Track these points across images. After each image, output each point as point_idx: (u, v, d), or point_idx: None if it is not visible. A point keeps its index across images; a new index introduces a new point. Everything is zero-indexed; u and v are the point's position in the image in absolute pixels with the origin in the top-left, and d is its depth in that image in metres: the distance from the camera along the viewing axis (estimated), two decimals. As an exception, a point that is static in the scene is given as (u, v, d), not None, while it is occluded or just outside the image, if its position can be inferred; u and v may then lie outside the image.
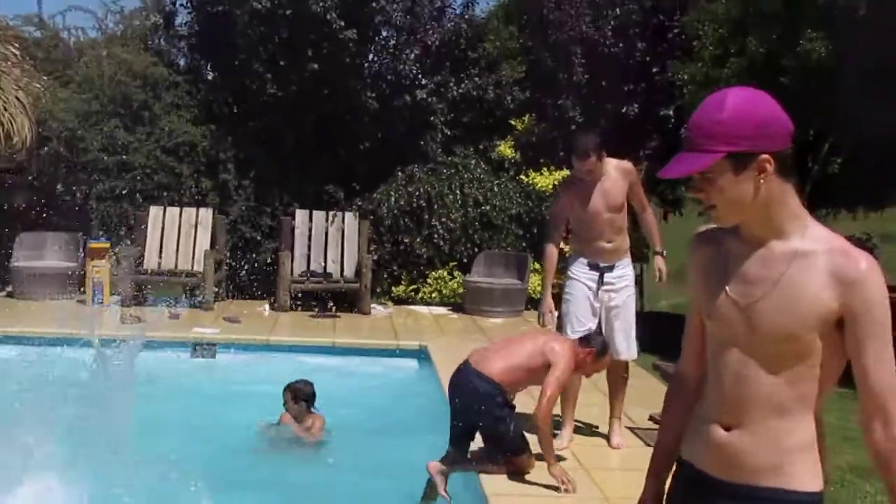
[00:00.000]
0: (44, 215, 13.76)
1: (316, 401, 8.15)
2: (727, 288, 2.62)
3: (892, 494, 2.51)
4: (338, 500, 6.95)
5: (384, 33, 14.14)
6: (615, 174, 7.12)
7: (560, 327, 7.26)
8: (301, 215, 13.56)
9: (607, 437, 7.57)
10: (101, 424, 8.00)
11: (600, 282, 7.21)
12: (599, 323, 7.20)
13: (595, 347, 6.55)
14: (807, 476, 2.57)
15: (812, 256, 2.50)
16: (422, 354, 10.82)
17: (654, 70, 14.05)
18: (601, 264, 7.23)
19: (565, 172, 13.75)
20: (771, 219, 2.55)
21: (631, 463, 7.09)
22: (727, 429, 2.65)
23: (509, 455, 6.56)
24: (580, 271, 7.27)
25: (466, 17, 14.64)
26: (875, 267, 2.47)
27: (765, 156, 2.44)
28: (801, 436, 2.57)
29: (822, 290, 2.47)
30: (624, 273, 7.37)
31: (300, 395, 8.07)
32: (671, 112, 13.77)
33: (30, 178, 14.56)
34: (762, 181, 2.46)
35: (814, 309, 2.48)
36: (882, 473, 2.52)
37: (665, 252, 7.52)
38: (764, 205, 2.53)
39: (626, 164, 7.32)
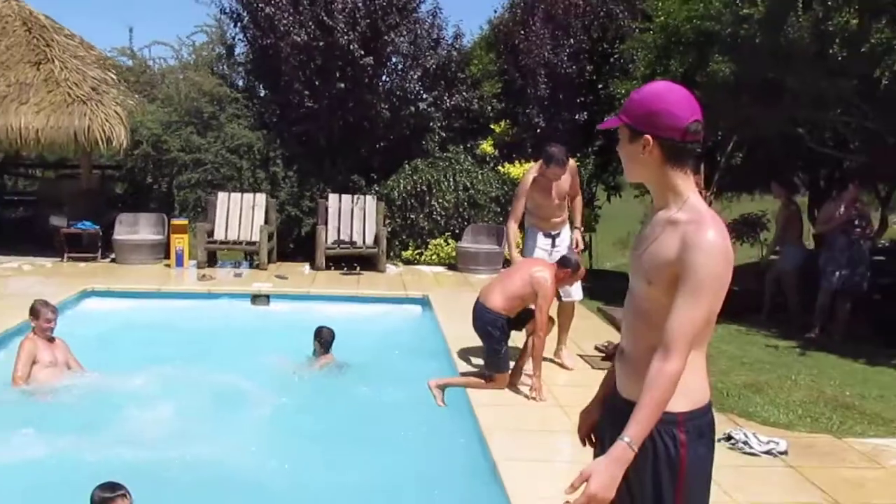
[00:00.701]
0: (138, 200, 13.93)
1: (334, 342, 8.13)
2: (635, 244, 2.71)
3: (645, 408, 2.38)
4: (360, 407, 6.99)
5: (393, 59, 14.16)
6: (566, 173, 7.50)
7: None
8: (333, 198, 13.62)
9: (561, 363, 7.82)
10: (190, 351, 8.27)
11: (553, 244, 7.81)
12: None
13: (570, 267, 6.96)
14: (677, 397, 2.45)
15: (678, 224, 2.48)
16: (424, 301, 10.93)
17: (600, 87, 14.13)
18: (552, 232, 7.85)
19: (530, 164, 13.89)
20: (659, 193, 2.60)
21: (579, 381, 7.26)
22: (627, 358, 2.67)
23: (494, 373, 6.76)
24: (539, 239, 7.83)
25: (456, 46, 14.69)
26: (717, 241, 2.42)
27: (647, 136, 2.49)
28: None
29: (673, 250, 2.45)
30: (565, 236, 7.94)
31: (324, 337, 8.14)
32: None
33: (126, 172, 14.59)
34: (643, 155, 2.52)
35: (667, 264, 2.47)
36: (644, 390, 2.40)
37: (582, 228, 8.38)
38: (650, 176, 2.59)
39: (572, 164, 7.72)
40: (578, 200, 8.13)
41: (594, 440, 2.91)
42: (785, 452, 5.67)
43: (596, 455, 2.79)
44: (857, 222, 9.96)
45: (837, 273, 9.78)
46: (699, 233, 2.43)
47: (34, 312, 7.23)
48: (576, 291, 7.85)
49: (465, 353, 7.96)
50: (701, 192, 2.66)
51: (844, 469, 5.49)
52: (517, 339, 7.11)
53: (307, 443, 6.22)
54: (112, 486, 4.29)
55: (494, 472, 5.11)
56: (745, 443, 5.75)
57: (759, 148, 13.85)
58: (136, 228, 13.35)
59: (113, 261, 13.20)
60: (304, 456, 5.92)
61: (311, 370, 7.97)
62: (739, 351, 8.79)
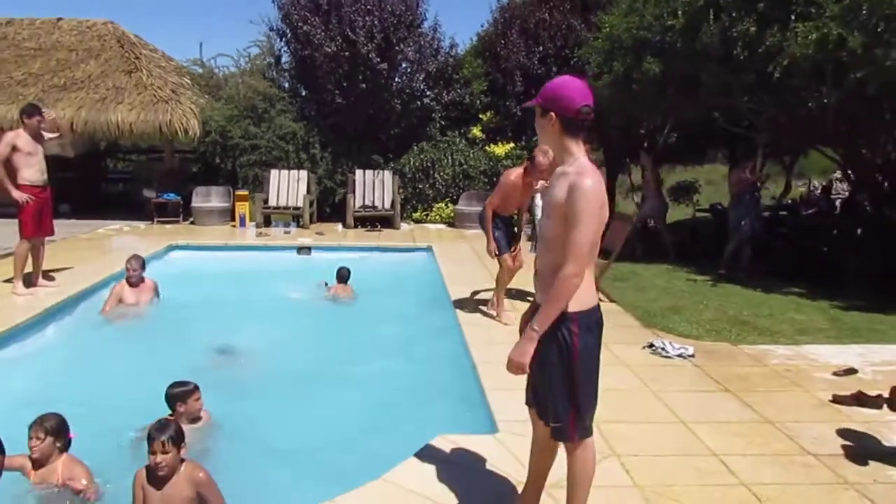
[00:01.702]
0: (209, 176, 14.02)
1: (350, 278, 8.37)
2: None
3: (547, 303, 2.69)
4: (371, 329, 7.08)
5: (403, 65, 14.12)
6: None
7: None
8: (359, 173, 13.71)
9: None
10: (249, 288, 8.40)
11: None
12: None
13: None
14: (572, 302, 2.70)
15: (568, 175, 2.68)
16: (428, 250, 11.03)
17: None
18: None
19: (511, 145, 13.94)
20: (559, 155, 2.78)
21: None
22: (538, 273, 2.88)
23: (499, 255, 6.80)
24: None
25: (452, 54, 14.65)
26: (593, 186, 2.61)
27: (552, 113, 2.69)
28: None
29: (563, 192, 2.67)
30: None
31: (341, 275, 8.33)
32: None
33: (200, 155, 14.67)
34: (549, 127, 2.71)
35: (558, 203, 2.69)
36: (551, 295, 2.67)
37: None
38: (554, 142, 2.78)
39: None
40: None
41: None
42: (692, 356, 5.83)
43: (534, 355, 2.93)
44: (758, 184, 10.03)
45: (748, 223, 9.86)
46: (580, 180, 2.62)
47: (126, 263, 7.41)
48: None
49: (454, 284, 8.13)
50: (589, 156, 2.78)
51: (737, 367, 5.64)
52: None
53: (324, 349, 6.38)
54: (184, 383, 4.43)
55: (481, 387, 4.96)
56: (663, 349, 5.91)
57: (688, 129, 13.90)
58: (208, 198, 13.49)
59: (191, 223, 13.35)
60: (321, 358, 6.09)
61: (329, 297, 8.22)
62: (666, 283, 8.91)
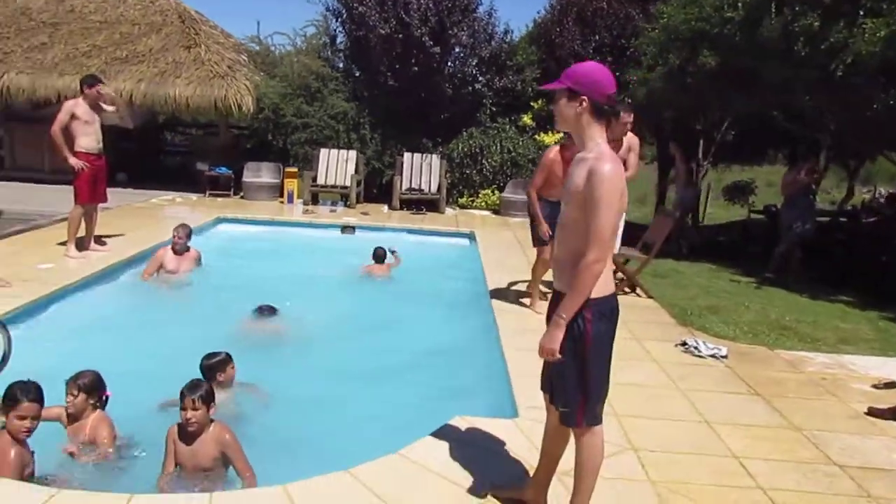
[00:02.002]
0: (261, 152, 14.23)
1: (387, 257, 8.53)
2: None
3: (572, 290, 2.69)
4: (404, 309, 7.20)
5: (456, 49, 14.03)
6: (625, 141, 6.62)
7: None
8: (407, 156, 13.73)
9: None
10: (292, 262, 8.55)
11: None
12: None
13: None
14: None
15: (588, 160, 2.69)
16: (471, 236, 11.03)
17: (617, 74, 13.81)
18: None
19: (561, 134, 13.77)
20: (581, 140, 2.77)
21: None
22: (557, 260, 2.92)
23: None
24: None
25: (506, 40, 14.54)
26: (610, 172, 2.61)
27: (584, 97, 2.68)
28: None
29: (582, 178, 2.68)
30: None
31: (377, 255, 8.45)
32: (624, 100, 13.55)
33: (253, 131, 14.83)
34: (578, 110, 2.70)
35: (577, 189, 2.70)
36: (576, 282, 2.67)
37: None
38: (578, 127, 2.76)
39: (634, 138, 6.81)
40: (631, 174, 6.84)
41: None
42: (725, 357, 5.75)
43: None
44: (813, 186, 9.78)
45: (799, 226, 9.63)
46: (599, 165, 2.63)
47: (174, 231, 7.63)
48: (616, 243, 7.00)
49: (493, 271, 8.15)
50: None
51: (770, 371, 5.54)
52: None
53: (356, 325, 6.56)
54: (217, 354, 4.58)
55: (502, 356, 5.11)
56: (696, 348, 5.84)
57: (746, 127, 13.56)
58: (259, 173, 13.63)
59: (241, 197, 13.52)
60: (351, 334, 6.26)
61: (364, 275, 8.34)
62: (708, 283, 8.76)
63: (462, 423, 4.08)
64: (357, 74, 14.75)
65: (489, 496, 3.32)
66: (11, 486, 3.16)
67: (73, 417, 3.97)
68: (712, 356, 5.74)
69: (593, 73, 2.76)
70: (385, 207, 13.37)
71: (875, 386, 5.36)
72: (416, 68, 13.40)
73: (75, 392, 3.90)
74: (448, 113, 14.18)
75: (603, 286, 2.77)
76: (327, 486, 3.33)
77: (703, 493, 3.55)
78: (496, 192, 13.91)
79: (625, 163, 6.59)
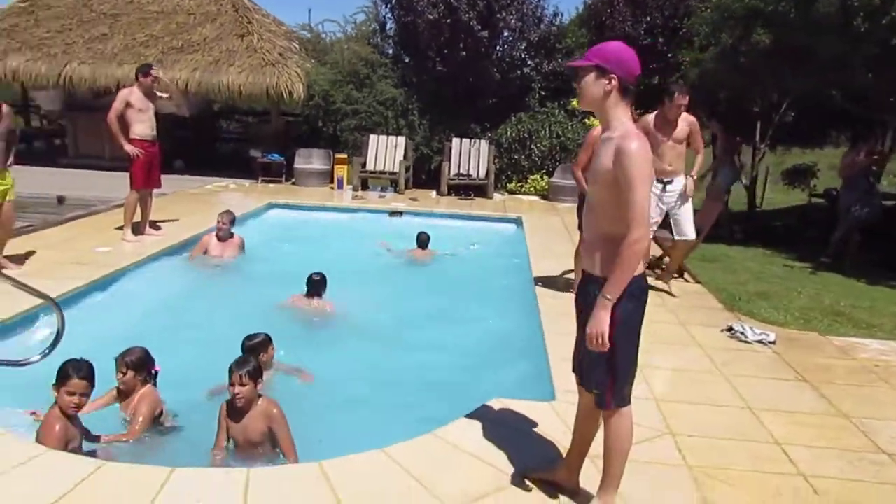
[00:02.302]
0: (311, 139, 14.39)
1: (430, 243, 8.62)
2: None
3: (616, 270, 2.63)
4: (448, 293, 7.24)
5: (505, 33, 13.93)
6: (682, 122, 6.41)
7: None
8: (456, 141, 13.69)
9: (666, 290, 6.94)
10: (340, 247, 8.66)
11: (664, 189, 6.59)
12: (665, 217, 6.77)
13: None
14: (606, 269, 2.72)
15: (614, 139, 2.67)
16: (518, 221, 10.95)
17: (669, 55, 13.56)
18: (664, 179, 6.55)
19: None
20: (607, 119, 2.75)
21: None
22: (584, 241, 2.91)
23: None
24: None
25: (555, 23, 14.35)
26: (638, 149, 2.58)
27: (613, 75, 2.67)
28: (611, 247, 2.69)
29: (609, 158, 2.66)
30: (678, 183, 6.59)
31: (421, 240, 8.51)
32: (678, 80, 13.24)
33: (304, 118, 14.97)
34: (607, 88, 2.68)
35: (606, 169, 2.68)
36: (620, 262, 2.62)
37: (694, 176, 6.66)
38: (604, 106, 2.74)
39: (693, 119, 6.51)
40: (699, 158, 6.76)
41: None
42: (773, 342, 5.61)
43: (577, 315, 3.00)
44: (874, 168, 9.43)
45: (858, 209, 9.31)
46: (626, 143, 2.61)
47: (218, 217, 7.81)
48: (687, 231, 6.73)
49: (538, 257, 8.11)
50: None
51: (820, 358, 5.39)
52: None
53: (398, 308, 6.61)
54: (257, 335, 4.68)
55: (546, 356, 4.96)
56: (742, 333, 5.72)
57: (806, 108, 13.10)
58: (310, 160, 13.76)
59: (293, 183, 13.67)
60: (393, 316, 6.34)
61: (408, 260, 8.47)
62: (759, 268, 8.55)
63: (498, 405, 4.09)
64: (406, 60, 14.75)
65: (522, 478, 3.32)
66: (58, 457, 3.30)
67: (123, 394, 4.12)
68: (759, 342, 5.61)
69: (621, 52, 2.74)
70: (433, 193, 13.38)
71: (931, 374, 5.17)
72: (463, 53, 13.34)
73: (124, 369, 4.05)
74: (496, 98, 14.07)
75: None
76: (362, 464, 3.38)
77: (742, 478, 3.49)
78: (545, 177, 13.78)
79: (688, 143, 6.53)
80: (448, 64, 13.65)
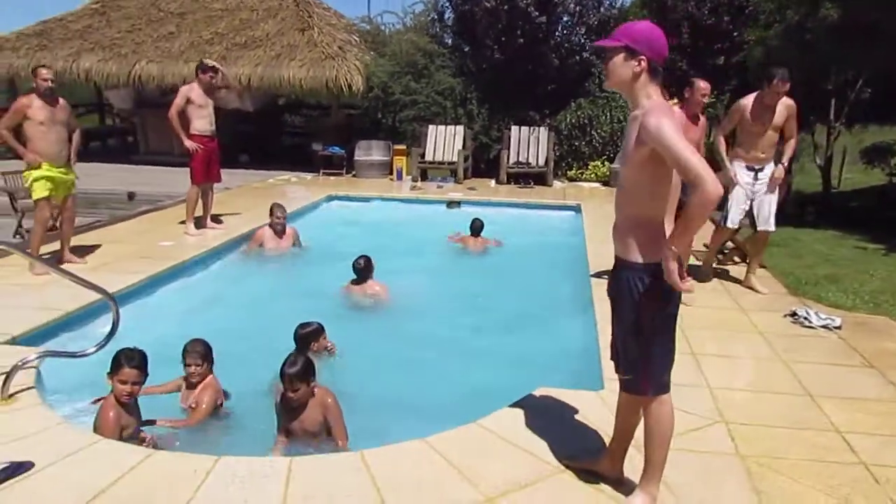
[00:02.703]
0: (371, 131, 14.49)
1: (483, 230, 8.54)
2: None
3: (680, 223, 2.51)
4: (501, 280, 7.20)
5: (564, 18, 13.73)
6: (780, 106, 5.94)
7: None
8: (514, 129, 13.58)
9: (750, 286, 6.46)
10: (396, 237, 8.73)
11: (755, 177, 6.20)
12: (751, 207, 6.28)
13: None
14: (637, 254, 2.68)
15: (640, 116, 2.60)
16: (577, 208, 10.75)
17: (735, 34, 13.08)
18: (755, 167, 6.19)
19: (675, 101, 13.19)
20: (634, 99, 2.67)
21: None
22: (615, 226, 2.81)
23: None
24: (741, 173, 6.21)
25: (615, 5, 14.10)
26: (661, 115, 2.49)
27: (642, 56, 2.58)
28: (641, 231, 2.66)
29: (635, 134, 2.59)
30: (768, 171, 6.17)
31: (475, 227, 8.46)
32: (744, 60, 12.75)
33: (364, 110, 15.01)
34: (636, 69, 2.60)
35: (634, 149, 2.61)
36: (685, 214, 2.47)
37: (785, 164, 6.15)
38: (633, 87, 2.66)
39: (791, 103, 5.99)
40: (792, 142, 6.14)
41: None
42: (839, 327, 5.37)
43: (612, 303, 2.93)
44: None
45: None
46: (647, 118, 2.54)
47: (270, 211, 7.93)
48: (770, 222, 6.26)
49: (594, 243, 7.95)
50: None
51: (889, 343, 5.13)
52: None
53: (450, 296, 6.63)
54: (310, 324, 4.74)
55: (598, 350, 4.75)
56: (806, 318, 5.49)
57: (885, 84, 12.45)
58: (370, 152, 13.88)
59: (353, 176, 13.82)
60: (445, 304, 6.36)
61: (461, 248, 8.44)
62: (829, 250, 8.18)
63: (544, 393, 4.03)
64: (465, 49, 14.66)
65: (564, 467, 3.27)
66: (112, 446, 3.41)
67: (190, 384, 4.23)
68: (824, 327, 5.37)
69: (651, 32, 2.65)
70: (492, 182, 13.30)
71: None
72: (521, 40, 13.19)
73: (198, 361, 4.15)
74: (555, 84, 13.87)
75: (657, 250, 2.63)
76: (402, 453, 3.38)
77: (797, 467, 3.34)
78: (606, 163, 13.53)
79: (782, 132, 6.07)
80: (506, 51, 13.53)
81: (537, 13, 12.87)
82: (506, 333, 5.57)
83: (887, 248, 8.42)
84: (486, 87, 13.98)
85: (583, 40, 13.81)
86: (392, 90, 14.09)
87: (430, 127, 13.77)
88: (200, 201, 8.36)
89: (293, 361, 3.74)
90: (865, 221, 10.16)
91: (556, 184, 13.18)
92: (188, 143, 7.93)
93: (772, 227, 6.30)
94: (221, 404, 4.22)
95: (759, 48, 10.24)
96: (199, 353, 4.15)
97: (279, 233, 7.89)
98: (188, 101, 7.88)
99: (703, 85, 6.10)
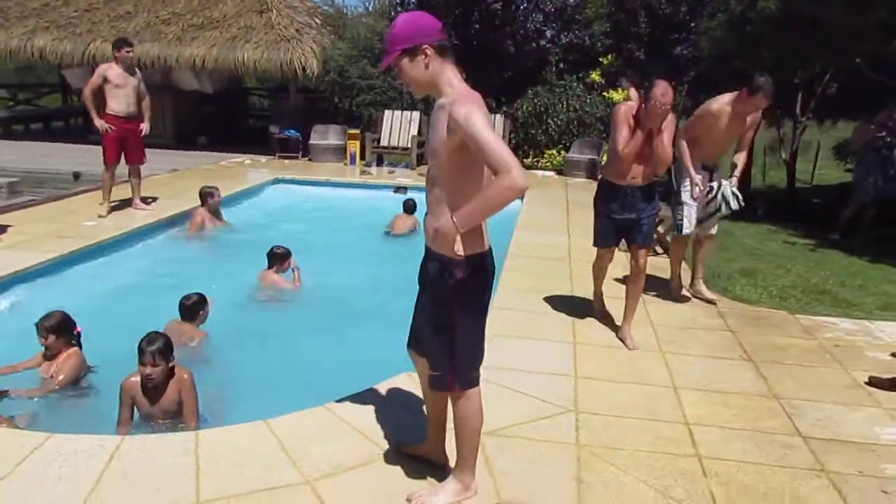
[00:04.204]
0: (328, 115, 14.38)
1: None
2: None
3: (475, 201, 2.40)
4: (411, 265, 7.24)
5: (524, 5, 13.67)
6: (751, 118, 5.51)
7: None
8: (470, 116, 13.58)
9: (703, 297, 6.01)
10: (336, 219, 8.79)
11: (710, 178, 5.69)
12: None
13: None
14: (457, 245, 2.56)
15: (445, 106, 2.49)
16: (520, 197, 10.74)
17: (692, 24, 13.08)
18: (710, 164, 5.70)
19: (629, 91, 13.19)
20: (438, 88, 2.57)
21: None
22: (427, 216, 2.71)
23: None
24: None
25: (572, -7, 14.06)
26: (470, 111, 2.39)
27: (424, 46, 2.50)
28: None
29: (444, 126, 2.48)
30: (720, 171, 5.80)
31: (407, 206, 8.62)
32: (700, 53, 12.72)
33: (322, 94, 14.89)
34: (426, 61, 2.51)
35: (442, 137, 2.49)
36: (481, 195, 2.41)
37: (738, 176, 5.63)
38: (432, 79, 2.56)
39: (758, 113, 5.57)
40: (743, 155, 5.68)
41: None
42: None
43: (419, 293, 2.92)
44: (888, 139, 8.91)
45: (871, 183, 8.89)
46: (456, 108, 2.43)
47: (202, 196, 7.93)
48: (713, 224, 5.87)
49: (523, 229, 8.05)
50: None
51: (777, 337, 5.18)
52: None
53: (368, 276, 6.73)
54: (191, 295, 4.95)
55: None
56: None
57: (849, 80, 12.43)
58: (326, 136, 13.71)
59: (309, 160, 13.70)
60: (360, 283, 6.52)
61: (390, 232, 8.52)
62: (756, 244, 8.24)
63: (406, 380, 4.02)
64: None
65: (395, 452, 3.29)
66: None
67: (49, 356, 4.24)
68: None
69: (412, 20, 2.58)
70: (446, 168, 13.25)
71: (894, 354, 4.92)
72: (477, 26, 13.13)
73: (45, 334, 4.16)
74: (512, 71, 13.82)
75: (476, 242, 2.63)
76: (238, 433, 3.42)
77: (631, 458, 3.37)
78: (562, 152, 13.52)
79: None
80: (462, 38, 13.45)
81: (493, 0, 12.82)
82: (394, 319, 5.58)
83: (816, 243, 8.50)
84: (444, 74, 13.87)
85: (538, 27, 13.72)
86: (349, 73, 13.99)
87: (387, 112, 13.68)
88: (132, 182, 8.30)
89: (152, 339, 3.74)
90: (821, 217, 10.18)
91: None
92: (98, 123, 7.74)
93: (713, 231, 5.96)
94: (85, 374, 4.22)
95: (705, 38, 10.22)
96: (49, 327, 4.15)
97: (216, 214, 7.97)
98: (105, 80, 7.74)
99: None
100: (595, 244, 5.18)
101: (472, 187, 2.53)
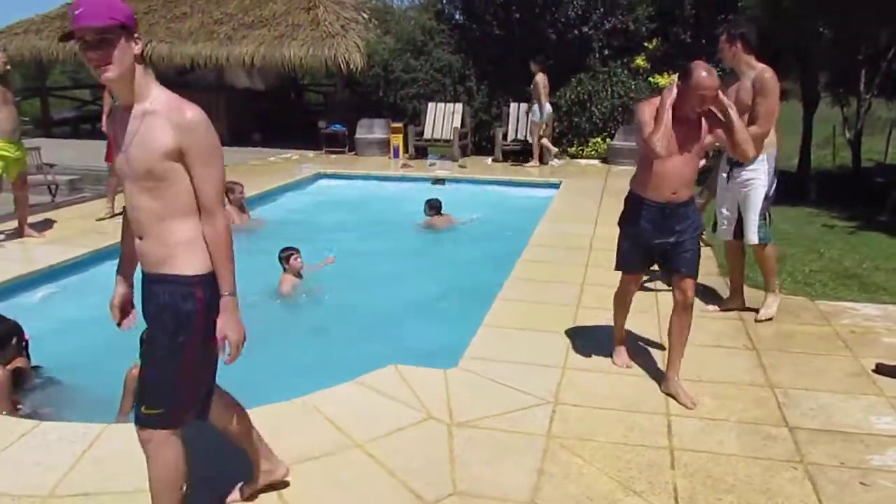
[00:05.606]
0: (373, 109, 14.51)
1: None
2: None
3: (224, 262, 2.29)
4: (448, 255, 7.38)
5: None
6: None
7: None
8: (513, 106, 13.46)
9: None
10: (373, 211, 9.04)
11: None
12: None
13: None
14: (186, 264, 2.28)
15: (158, 114, 2.21)
16: (557, 185, 10.66)
17: (739, 3, 12.50)
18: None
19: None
20: (135, 89, 2.26)
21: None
22: (140, 238, 2.34)
23: None
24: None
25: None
26: (200, 117, 2.22)
27: (136, 34, 2.26)
28: (179, 236, 2.26)
29: (167, 137, 2.19)
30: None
31: (431, 205, 8.50)
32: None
33: (367, 88, 14.96)
34: (137, 49, 2.25)
35: (159, 148, 2.19)
36: (214, 253, 2.27)
37: None
38: (132, 74, 2.23)
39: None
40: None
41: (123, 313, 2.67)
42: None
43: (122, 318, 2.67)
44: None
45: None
46: (184, 115, 2.22)
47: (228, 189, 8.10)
48: (751, 234, 5.05)
49: (548, 221, 7.93)
50: None
51: (788, 324, 4.99)
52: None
53: (389, 270, 6.79)
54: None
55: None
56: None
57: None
58: (371, 130, 13.91)
59: (355, 154, 13.94)
60: (381, 277, 6.55)
61: (423, 226, 8.51)
62: (793, 229, 7.88)
63: (390, 372, 4.06)
64: (471, 26, 14.36)
65: (359, 446, 3.33)
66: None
67: None
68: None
69: (125, 4, 2.25)
70: (489, 160, 13.22)
71: (912, 342, 4.68)
72: (517, 15, 12.97)
73: None
74: (554, 60, 13.54)
75: (192, 261, 2.32)
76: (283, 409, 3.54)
77: (600, 450, 3.32)
78: (606, 139, 13.29)
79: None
80: (506, 28, 13.31)
81: (534, -13, 12.63)
82: (403, 312, 5.65)
83: (859, 225, 8.12)
84: (486, 64, 13.82)
85: (580, 13, 13.35)
86: (392, 67, 14.05)
87: (430, 104, 13.74)
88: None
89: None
90: (878, 198, 9.64)
91: (555, 161, 12.92)
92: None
93: (753, 239, 5.08)
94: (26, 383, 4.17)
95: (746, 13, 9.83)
96: None
97: (243, 209, 8.19)
98: None
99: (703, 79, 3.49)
100: (617, 268, 4.14)
101: (203, 198, 2.31)
